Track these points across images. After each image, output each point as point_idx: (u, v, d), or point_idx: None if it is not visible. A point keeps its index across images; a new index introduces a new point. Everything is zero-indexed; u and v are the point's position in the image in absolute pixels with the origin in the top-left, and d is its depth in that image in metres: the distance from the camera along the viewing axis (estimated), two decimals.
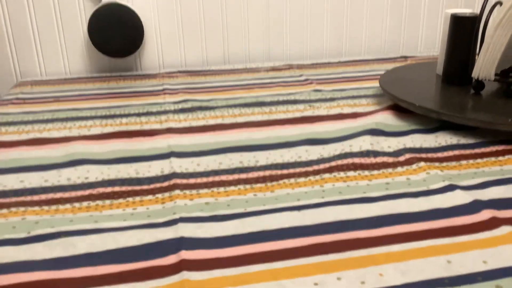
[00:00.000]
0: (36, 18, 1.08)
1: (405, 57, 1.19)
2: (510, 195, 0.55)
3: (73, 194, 0.58)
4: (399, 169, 0.62)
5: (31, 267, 0.44)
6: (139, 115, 0.84)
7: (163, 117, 0.82)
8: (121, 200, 0.56)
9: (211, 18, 1.15)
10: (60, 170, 0.64)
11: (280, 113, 0.83)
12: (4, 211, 0.54)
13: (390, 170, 0.62)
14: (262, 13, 1.17)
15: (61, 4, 1.08)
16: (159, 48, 1.16)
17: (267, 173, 0.62)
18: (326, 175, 0.61)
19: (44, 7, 1.07)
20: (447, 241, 0.47)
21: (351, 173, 0.61)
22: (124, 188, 0.59)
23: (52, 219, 0.52)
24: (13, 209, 0.54)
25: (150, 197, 0.57)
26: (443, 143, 0.70)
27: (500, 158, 0.65)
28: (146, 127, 0.78)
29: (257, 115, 0.82)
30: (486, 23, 0.79)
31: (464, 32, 0.80)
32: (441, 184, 0.57)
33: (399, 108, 0.81)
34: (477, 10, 1.28)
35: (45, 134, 0.76)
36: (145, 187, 0.59)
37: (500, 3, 0.78)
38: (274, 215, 0.52)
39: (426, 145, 0.69)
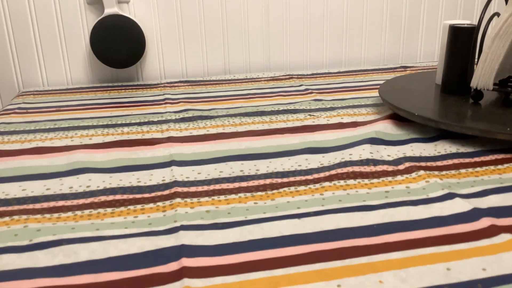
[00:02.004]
0: (39, 29, 1.09)
1: (405, 67, 1.19)
2: (509, 203, 0.55)
3: (75, 202, 0.58)
4: (399, 177, 0.62)
5: (33, 275, 0.45)
6: (140, 124, 0.85)
7: (164, 126, 0.83)
8: (122, 208, 0.57)
9: (212, 29, 1.17)
10: (62, 179, 0.64)
11: (281, 122, 0.84)
12: (7, 219, 0.55)
13: (389, 178, 0.62)
14: (263, 23, 1.19)
15: (64, 15, 1.09)
16: (160, 59, 1.17)
17: (268, 181, 0.62)
18: (326, 184, 0.61)
19: (47, 18, 1.08)
20: (446, 249, 0.47)
21: (351, 182, 0.61)
22: (125, 196, 0.60)
23: (54, 227, 0.53)
24: (16, 217, 0.55)
25: (151, 205, 0.57)
26: (442, 152, 0.70)
27: (499, 166, 0.65)
28: (148, 136, 0.79)
29: (258, 124, 0.83)
30: (484, 34, 0.79)
31: (462, 43, 0.81)
32: (440, 192, 0.58)
33: (398, 118, 0.82)
34: (475, 21, 1.30)
35: (47, 143, 0.76)
36: (146, 195, 0.60)
37: (498, 14, 0.79)
38: (275, 223, 0.53)
39: (425, 153, 0.69)
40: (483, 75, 0.77)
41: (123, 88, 1.08)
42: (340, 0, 1.21)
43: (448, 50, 0.83)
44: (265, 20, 1.18)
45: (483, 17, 0.79)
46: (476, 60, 0.82)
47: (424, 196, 0.57)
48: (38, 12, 1.08)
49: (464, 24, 0.83)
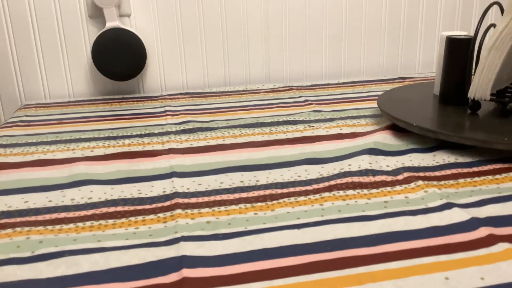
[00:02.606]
0: (41, 42, 1.10)
1: (403, 78, 1.21)
2: (507, 212, 0.56)
3: (77, 214, 0.59)
4: (398, 187, 0.63)
5: (36, 286, 0.45)
6: (141, 136, 0.85)
7: (165, 138, 0.84)
8: (123, 220, 0.57)
9: (212, 42, 1.18)
10: (63, 191, 0.65)
11: (280, 133, 0.84)
12: (9, 230, 0.55)
13: (388, 188, 0.63)
14: (262, 36, 1.20)
15: (66, 29, 1.11)
16: (161, 71, 1.18)
17: (268, 192, 0.63)
18: (326, 194, 0.62)
19: (49, 31, 1.10)
20: (445, 258, 0.48)
21: (350, 192, 0.62)
22: (126, 208, 0.60)
23: (56, 238, 0.53)
24: (18, 229, 0.55)
25: (152, 216, 0.58)
26: (441, 162, 0.71)
27: (497, 176, 0.66)
28: (149, 148, 0.79)
29: (258, 135, 0.84)
30: (480, 45, 0.80)
31: (459, 54, 0.82)
32: (439, 202, 0.58)
33: (397, 128, 0.83)
34: (472, 32, 1.31)
35: (49, 156, 0.77)
36: (147, 206, 0.60)
37: (494, 26, 0.80)
38: (274, 233, 0.53)
39: (424, 164, 0.70)
40: (480, 85, 0.78)
41: (124, 100, 1.09)
42: (338, 12, 1.22)
43: (446, 61, 0.84)
44: (264, 33, 1.20)
45: (479, 28, 0.80)
46: (473, 70, 0.82)
47: (422, 206, 0.58)
48: (40, 25, 1.09)
49: (461, 35, 0.84)
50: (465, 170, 0.68)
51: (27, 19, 1.08)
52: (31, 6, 1.08)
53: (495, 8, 1.31)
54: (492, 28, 0.79)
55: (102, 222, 0.57)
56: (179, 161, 0.73)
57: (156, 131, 0.87)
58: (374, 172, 0.67)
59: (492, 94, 0.79)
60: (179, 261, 0.48)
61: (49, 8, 1.08)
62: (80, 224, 0.56)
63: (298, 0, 1.19)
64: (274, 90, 1.13)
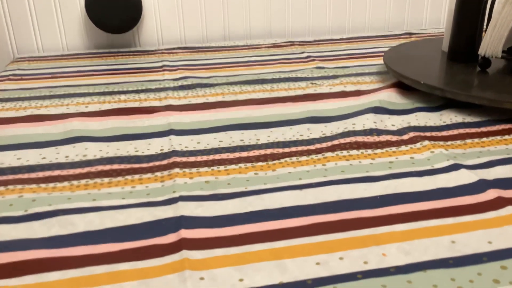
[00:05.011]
0: None
1: (410, 34, 1.16)
2: None
3: (71, 171, 0.57)
4: (403, 147, 0.61)
5: (29, 245, 0.44)
6: (138, 92, 0.82)
7: (163, 94, 0.81)
8: (119, 178, 0.56)
9: None
10: (58, 148, 0.63)
11: (282, 90, 0.81)
12: (1, 188, 0.53)
13: (393, 149, 0.61)
14: None
15: None
16: (158, 24, 1.13)
17: (269, 151, 0.61)
18: (329, 154, 0.60)
19: None
20: (451, 221, 0.46)
21: (354, 152, 0.60)
22: (123, 166, 0.58)
23: (49, 197, 0.51)
24: (10, 187, 0.54)
25: (149, 175, 0.56)
26: (448, 122, 0.68)
27: (506, 137, 0.64)
28: (145, 104, 0.77)
29: (258, 92, 0.81)
30: None
31: (471, 8, 0.78)
32: (445, 163, 0.56)
33: (403, 86, 0.80)
34: None
35: (43, 111, 0.75)
36: (144, 165, 0.59)
37: None
38: (276, 194, 0.51)
39: (430, 123, 0.68)
40: (492, 42, 0.74)
41: (120, 54, 1.06)
42: None
43: (456, 15, 0.80)
44: None
45: None
46: (485, 26, 0.79)
47: (429, 167, 0.56)
48: None
49: None
50: (473, 130, 0.66)
51: None
52: None
53: None
54: None
55: (98, 180, 0.55)
56: (177, 118, 0.71)
57: (153, 87, 0.84)
58: (379, 132, 0.65)
59: (503, 51, 0.75)
60: (177, 221, 0.47)
61: None
62: (75, 183, 0.55)
63: None
64: (275, 46, 1.09)
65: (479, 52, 0.76)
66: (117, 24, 1.02)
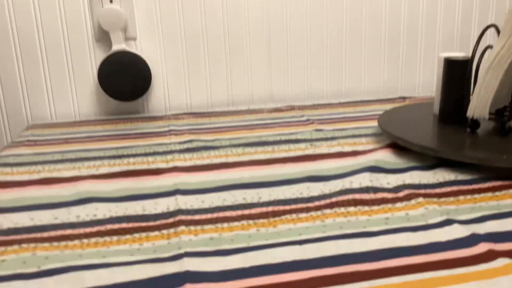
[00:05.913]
0: (49, 64, 1.13)
1: (404, 98, 1.22)
2: (506, 228, 0.56)
3: (82, 230, 0.60)
4: (398, 204, 0.64)
5: None
6: (146, 155, 0.87)
7: (169, 157, 0.85)
8: (128, 236, 0.58)
9: (216, 63, 1.20)
10: (69, 208, 0.66)
11: (282, 152, 0.85)
12: (16, 247, 0.56)
13: (389, 205, 0.64)
14: (265, 57, 1.22)
15: (73, 51, 1.13)
16: (165, 92, 1.20)
17: (270, 209, 0.64)
18: (327, 211, 0.62)
19: (57, 53, 1.13)
20: (445, 273, 0.48)
21: (351, 209, 0.63)
22: (131, 225, 0.61)
23: (61, 254, 0.54)
24: (24, 245, 0.56)
25: (156, 233, 0.59)
26: (441, 179, 0.71)
27: (497, 193, 0.66)
28: (153, 166, 0.81)
29: (260, 154, 0.85)
30: (478, 65, 0.82)
31: (457, 75, 0.84)
32: (439, 219, 0.59)
33: (397, 147, 0.84)
34: (470, 53, 1.33)
35: (55, 174, 0.78)
36: (151, 223, 0.61)
37: (491, 47, 0.82)
38: (277, 249, 0.54)
39: (424, 181, 0.71)
40: (479, 105, 0.79)
41: (129, 120, 1.11)
42: (339, 34, 1.25)
43: (444, 81, 0.86)
44: (267, 54, 1.22)
45: (476, 49, 0.82)
46: (471, 90, 0.84)
47: (423, 223, 0.59)
48: (48, 48, 1.12)
49: (459, 56, 0.86)
50: (465, 187, 0.69)
51: (35, 41, 1.11)
52: (39, 29, 1.11)
53: (492, 30, 1.34)
54: (489, 49, 0.81)
55: (107, 238, 0.58)
56: (183, 179, 0.74)
57: (160, 150, 0.89)
58: (375, 189, 0.68)
59: (490, 113, 0.80)
60: (182, 277, 0.49)
61: (57, 32, 1.11)
62: (86, 241, 0.57)
63: (299, 24, 1.22)
64: (276, 110, 1.15)
65: (467, 115, 0.81)
66: (127, 93, 1.08)
